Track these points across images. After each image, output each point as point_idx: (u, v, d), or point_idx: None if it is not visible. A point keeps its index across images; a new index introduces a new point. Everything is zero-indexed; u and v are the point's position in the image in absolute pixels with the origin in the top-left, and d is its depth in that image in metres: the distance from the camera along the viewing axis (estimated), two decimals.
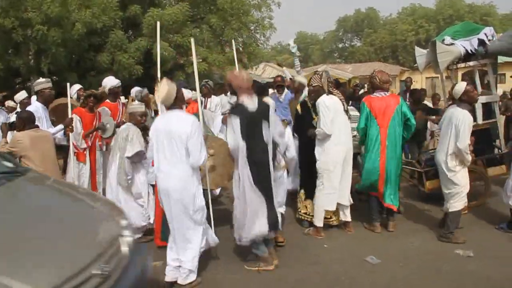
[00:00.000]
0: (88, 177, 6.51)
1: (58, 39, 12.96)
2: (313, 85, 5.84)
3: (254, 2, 17.86)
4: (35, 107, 6.05)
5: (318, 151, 5.77)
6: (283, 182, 5.73)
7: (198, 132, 4.42)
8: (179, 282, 4.56)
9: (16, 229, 2.74)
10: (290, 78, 8.54)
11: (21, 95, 8.15)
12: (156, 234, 5.63)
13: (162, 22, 14.17)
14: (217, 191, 7.04)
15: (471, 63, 7.17)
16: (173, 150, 4.39)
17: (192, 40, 5.86)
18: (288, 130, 5.78)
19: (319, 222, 5.81)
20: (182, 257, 4.55)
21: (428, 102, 9.84)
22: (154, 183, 6.05)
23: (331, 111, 5.60)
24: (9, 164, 3.88)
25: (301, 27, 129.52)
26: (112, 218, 3.40)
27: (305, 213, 6.14)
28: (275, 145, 5.03)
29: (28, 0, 13.28)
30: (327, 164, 5.68)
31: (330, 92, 5.74)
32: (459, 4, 48.79)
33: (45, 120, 6.08)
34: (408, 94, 10.29)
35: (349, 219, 5.92)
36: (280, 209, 5.52)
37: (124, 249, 3.13)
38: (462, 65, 7.45)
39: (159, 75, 6.17)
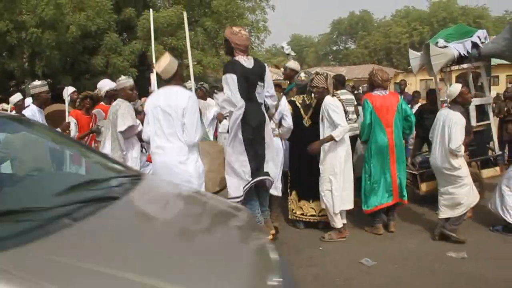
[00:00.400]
0: None
1: (52, 42, 12.97)
2: (318, 86, 5.63)
3: (249, 5, 17.93)
4: (31, 110, 6.01)
5: (323, 154, 5.65)
6: (280, 152, 5.66)
7: (195, 108, 4.39)
8: None
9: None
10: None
11: (16, 97, 8.09)
12: None
13: (156, 24, 14.21)
14: None
15: (464, 66, 7.22)
16: (170, 125, 4.35)
17: (187, 40, 5.86)
18: (284, 100, 5.73)
19: (339, 223, 5.66)
20: None
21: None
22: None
23: (340, 108, 5.52)
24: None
25: (296, 30, 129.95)
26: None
27: (302, 214, 6.11)
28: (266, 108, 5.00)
29: (23, 2, 13.27)
30: (333, 167, 5.57)
31: (333, 95, 5.65)
32: (453, 7, 49.03)
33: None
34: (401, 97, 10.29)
35: (345, 220, 5.82)
36: (273, 191, 5.47)
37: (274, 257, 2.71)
38: (456, 67, 7.48)
39: (154, 82, 6.21)
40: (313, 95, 5.91)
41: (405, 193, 5.98)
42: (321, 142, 5.57)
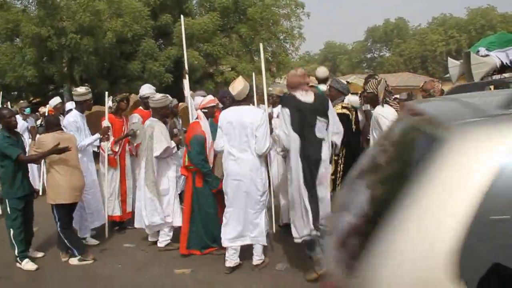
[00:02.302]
0: (118, 182, 6.61)
1: (90, 47, 13.24)
2: (368, 91, 5.32)
3: (284, 12, 17.93)
4: (74, 116, 6.10)
5: None
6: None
7: (266, 124, 4.95)
8: (254, 263, 5.08)
9: None
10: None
11: (55, 100, 8.35)
12: (181, 243, 5.65)
13: (192, 31, 14.39)
14: None
15: (506, 75, 7.03)
16: (243, 139, 4.89)
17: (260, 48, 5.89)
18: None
19: None
20: (243, 238, 5.02)
21: None
22: (181, 190, 6.14)
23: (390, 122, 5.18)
24: None
25: (330, 37, 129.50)
26: None
27: None
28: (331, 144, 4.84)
29: (64, 9, 13.62)
30: None
31: (386, 102, 5.17)
32: (492, 14, 47.96)
33: (83, 128, 6.14)
34: None
35: None
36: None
37: None
38: (497, 76, 7.30)
39: (187, 87, 6.29)
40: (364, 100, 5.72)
41: None
42: None
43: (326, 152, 4.72)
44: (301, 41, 18.22)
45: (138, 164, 6.00)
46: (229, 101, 6.50)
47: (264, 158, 5.08)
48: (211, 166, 5.52)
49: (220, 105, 6.67)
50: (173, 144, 5.83)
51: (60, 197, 5.38)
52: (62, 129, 5.72)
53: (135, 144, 6.37)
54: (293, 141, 4.68)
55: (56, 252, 5.73)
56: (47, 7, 13.54)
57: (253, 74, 7.94)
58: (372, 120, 5.18)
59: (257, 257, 5.10)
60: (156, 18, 15.41)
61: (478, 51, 6.93)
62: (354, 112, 5.91)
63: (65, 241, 5.51)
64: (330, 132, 4.77)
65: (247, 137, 4.88)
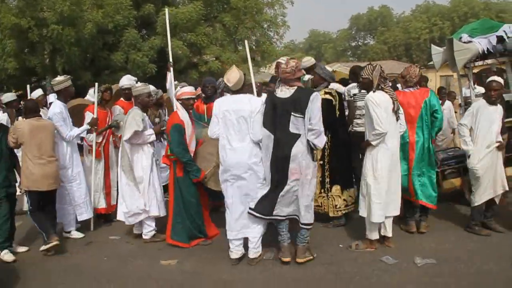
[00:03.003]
0: (103, 175, 6.56)
1: (71, 38, 13.04)
2: (363, 76, 5.26)
3: (268, 0, 17.81)
4: (59, 107, 5.99)
5: (365, 155, 5.30)
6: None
7: (261, 111, 4.88)
8: (250, 256, 5.04)
9: None
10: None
11: (37, 93, 8.24)
12: (166, 232, 5.68)
13: (176, 20, 14.24)
14: None
15: (489, 61, 7.07)
16: (242, 127, 4.89)
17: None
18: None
19: (373, 235, 5.26)
20: (249, 230, 4.99)
21: None
22: (166, 183, 6.09)
23: (382, 108, 5.02)
24: None
25: (314, 26, 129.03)
26: None
27: (346, 206, 6.03)
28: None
29: (44, 0, 13.37)
30: (371, 171, 5.16)
31: (381, 88, 5.14)
32: (474, 2, 48.09)
33: (68, 119, 6.07)
34: None
35: (390, 234, 5.35)
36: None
37: None
38: (480, 63, 7.34)
39: (170, 80, 6.25)
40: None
41: (424, 194, 5.73)
42: (364, 146, 5.29)
43: (300, 148, 4.72)
44: (285, 29, 18.11)
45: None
46: (210, 90, 6.49)
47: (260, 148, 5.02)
48: (192, 155, 5.49)
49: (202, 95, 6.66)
50: (150, 131, 5.80)
51: (33, 185, 5.41)
52: (40, 116, 5.72)
53: (119, 136, 6.34)
54: (264, 138, 4.82)
55: (41, 245, 5.68)
56: None
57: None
58: (365, 105, 5.22)
59: (255, 250, 5.05)
60: (139, 8, 15.22)
61: (461, 37, 6.94)
62: (337, 98, 5.92)
63: (36, 225, 5.55)
64: (306, 128, 4.71)
65: (246, 125, 4.89)
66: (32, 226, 5.90)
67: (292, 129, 4.72)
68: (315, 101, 4.69)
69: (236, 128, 4.91)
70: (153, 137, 5.83)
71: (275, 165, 4.78)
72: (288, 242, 4.98)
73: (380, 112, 4.98)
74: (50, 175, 5.48)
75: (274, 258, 5.12)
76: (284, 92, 4.81)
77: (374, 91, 5.11)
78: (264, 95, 5.83)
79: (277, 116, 4.77)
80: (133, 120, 5.60)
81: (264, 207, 4.86)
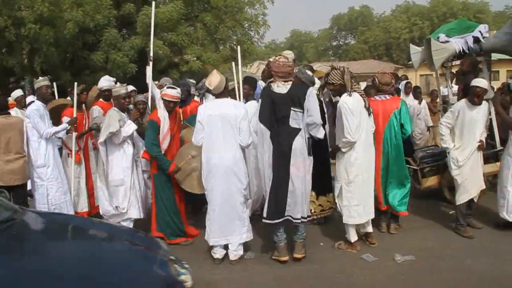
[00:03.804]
0: (84, 178, 6.51)
1: (50, 38, 12.88)
2: (334, 83, 5.14)
3: None
4: (36, 105, 5.96)
5: (337, 158, 5.26)
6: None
7: (247, 117, 4.96)
8: (231, 258, 5.04)
9: None
10: None
11: (16, 93, 8.17)
12: (152, 226, 5.69)
13: (156, 20, 14.13)
14: None
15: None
16: (227, 131, 4.88)
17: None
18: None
19: (352, 237, 5.23)
20: (231, 235, 4.99)
21: (425, 99, 9.98)
22: (149, 178, 6.05)
23: (355, 115, 4.97)
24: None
25: (295, 25, 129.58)
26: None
27: (322, 211, 6.02)
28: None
29: None
30: (346, 174, 5.11)
31: (353, 90, 5.06)
32: (453, 2, 48.81)
33: (47, 118, 5.98)
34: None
35: (370, 230, 5.37)
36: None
37: None
38: (457, 62, 7.45)
39: (149, 75, 6.22)
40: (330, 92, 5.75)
41: (393, 203, 5.65)
42: (334, 150, 5.33)
43: (300, 142, 4.77)
44: (265, 28, 18.11)
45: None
46: (184, 94, 6.46)
47: (244, 153, 5.09)
48: (163, 152, 5.48)
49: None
50: (128, 122, 5.74)
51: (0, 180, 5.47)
52: (8, 113, 5.81)
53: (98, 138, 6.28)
54: (260, 134, 4.85)
55: None
56: None
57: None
58: (338, 110, 5.16)
59: (235, 252, 5.05)
60: (119, 8, 15.09)
61: (439, 37, 7.04)
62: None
63: None
64: (307, 121, 4.79)
65: (231, 129, 4.88)
66: None
67: (293, 123, 4.77)
68: (312, 95, 4.84)
69: (220, 132, 4.89)
70: (133, 126, 5.75)
71: (276, 161, 4.78)
72: (285, 242, 4.99)
73: (352, 120, 4.94)
74: (16, 171, 5.55)
75: (255, 257, 5.14)
76: (280, 87, 4.80)
77: (350, 95, 5.03)
78: (252, 102, 5.86)
79: (276, 112, 4.78)
80: (109, 121, 5.58)
81: (275, 211, 4.84)
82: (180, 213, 5.71)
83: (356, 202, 5.11)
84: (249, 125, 4.96)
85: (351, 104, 4.97)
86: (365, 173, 5.16)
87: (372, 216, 5.32)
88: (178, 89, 5.71)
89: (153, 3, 7.23)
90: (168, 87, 5.71)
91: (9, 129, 5.54)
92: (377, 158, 5.45)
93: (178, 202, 5.68)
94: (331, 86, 5.26)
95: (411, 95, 9.75)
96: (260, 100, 4.92)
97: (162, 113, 5.50)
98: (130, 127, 5.72)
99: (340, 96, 5.18)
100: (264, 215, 4.89)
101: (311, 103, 4.78)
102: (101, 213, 5.81)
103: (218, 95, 5.06)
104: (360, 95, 5.11)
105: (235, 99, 5.60)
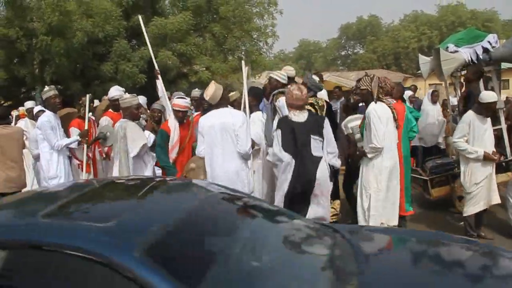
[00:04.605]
0: None
1: (61, 49, 13.00)
2: (361, 88, 5.25)
3: (257, 10, 17.91)
4: (47, 116, 5.96)
5: (365, 167, 5.23)
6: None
7: (247, 124, 5.01)
8: None
9: None
10: None
11: (29, 104, 8.28)
12: None
13: (165, 31, 14.26)
14: None
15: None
16: (227, 141, 4.91)
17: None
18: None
19: None
20: None
21: None
22: None
23: (383, 123, 5.03)
24: None
25: (304, 35, 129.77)
26: None
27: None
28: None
29: (33, 10, 13.36)
30: (375, 183, 5.10)
31: (379, 99, 5.14)
32: (461, 11, 48.72)
33: (58, 128, 6.01)
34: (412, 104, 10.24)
35: None
36: None
37: None
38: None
39: (161, 88, 6.26)
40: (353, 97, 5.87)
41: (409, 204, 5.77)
42: (359, 155, 5.33)
43: (323, 170, 4.76)
44: (274, 39, 18.19)
45: (110, 167, 5.90)
46: (193, 105, 6.53)
47: (247, 162, 5.09)
48: (171, 161, 5.54)
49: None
50: (148, 137, 5.80)
51: None
52: (8, 123, 6.17)
53: (106, 147, 6.31)
54: (286, 165, 4.75)
55: None
56: (15, 8, 13.27)
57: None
58: (366, 116, 5.19)
59: None
60: (129, 19, 15.23)
61: (447, 47, 7.02)
62: (324, 107, 5.92)
63: None
64: (325, 150, 4.82)
65: (231, 138, 4.91)
66: None
67: (315, 151, 4.76)
68: (327, 124, 4.89)
69: (220, 142, 4.92)
70: (152, 137, 5.85)
71: (297, 190, 4.73)
72: None
73: (379, 126, 4.99)
74: (12, 179, 5.81)
75: None
76: (298, 116, 4.83)
77: (376, 103, 5.08)
78: (258, 112, 5.84)
79: (297, 140, 4.76)
80: (135, 134, 5.54)
81: None
82: None
83: (382, 211, 5.08)
84: (247, 132, 4.97)
85: (379, 111, 5.03)
86: (394, 180, 5.16)
87: (396, 223, 5.27)
88: (188, 99, 5.78)
89: (140, 17, 7.36)
90: (177, 98, 5.76)
91: (5, 138, 5.80)
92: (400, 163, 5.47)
93: None
94: (358, 90, 5.33)
95: (438, 104, 9.72)
96: (278, 130, 4.85)
97: (173, 123, 5.53)
98: (150, 138, 5.78)
99: (365, 103, 5.33)
100: None
101: (329, 133, 4.87)
102: None
103: (215, 106, 5.07)
104: (388, 106, 5.16)
105: (239, 109, 5.59)
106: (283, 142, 4.78)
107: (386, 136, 5.03)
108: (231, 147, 4.92)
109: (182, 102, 5.68)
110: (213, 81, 5.38)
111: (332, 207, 6.00)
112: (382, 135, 4.99)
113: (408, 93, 9.91)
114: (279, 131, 4.83)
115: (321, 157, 4.77)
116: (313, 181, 4.71)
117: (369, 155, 5.08)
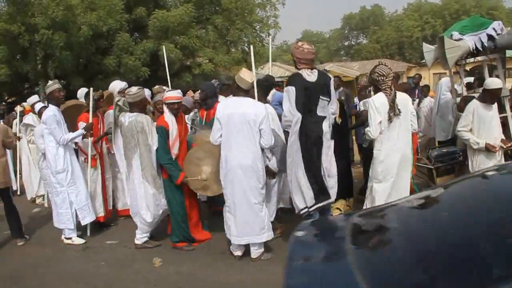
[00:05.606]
0: (100, 182, 6.57)
1: (61, 42, 12.97)
2: (382, 74, 5.08)
3: (259, 1, 17.84)
4: (52, 110, 5.95)
5: (375, 155, 5.15)
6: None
7: (268, 118, 4.90)
8: (252, 256, 5.08)
9: None
10: None
11: (32, 99, 8.27)
12: (168, 228, 5.81)
13: (167, 23, 14.23)
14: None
15: (479, 58, 7.09)
16: (246, 131, 4.82)
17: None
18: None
19: None
20: (251, 236, 4.98)
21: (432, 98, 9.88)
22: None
23: (381, 113, 4.97)
24: None
25: (307, 26, 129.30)
26: None
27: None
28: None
29: (35, 5, 13.34)
30: (376, 173, 5.10)
31: (379, 89, 5.08)
32: None
33: (63, 123, 6.02)
34: (416, 91, 10.20)
35: None
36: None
37: None
38: (471, 60, 7.36)
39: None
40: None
41: None
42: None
43: (326, 129, 4.81)
44: (276, 30, 18.13)
45: (128, 162, 5.70)
46: (210, 95, 6.45)
47: (263, 153, 5.01)
48: (174, 158, 5.45)
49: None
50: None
51: None
52: None
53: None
54: (295, 122, 4.72)
55: (35, 250, 5.66)
56: (17, 3, 13.26)
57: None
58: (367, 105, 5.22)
59: (255, 250, 5.09)
60: (131, 12, 15.21)
61: (452, 35, 6.97)
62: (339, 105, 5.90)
63: None
64: (330, 110, 4.87)
65: (250, 129, 4.81)
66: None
67: (320, 112, 4.77)
68: (332, 85, 4.94)
69: (240, 131, 4.84)
70: None
71: (309, 148, 4.73)
72: None
73: (375, 117, 4.98)
74: None
75: (271, 258, 5.13)
76: (310, 76, 4.74)
77: (375, 93, 5.13)
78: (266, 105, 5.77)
79: (309, 101, 4.72)
80: (153, 127, 5.51)
81: (319, 193, 4.81)
82: (189, 219, 5.67)
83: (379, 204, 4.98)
84: (270, 127, 4.91)
85: (377, 102, 5.01)
86: (389, 176, 5.06)
87: None
88: (178, 90, 5.72)
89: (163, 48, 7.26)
90: (168, 91, 5.73)
91: None
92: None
93: (189, 208, 5.65)
94: (376, 77, 5.13)
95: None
96: (292, 87, 4.71)
97: (169, 118, 5.45)
98: None
99: (364, 92, 5.47)
100: (308, 204, 4.79)
101: (333, 92, 4.93)
102: (149, 220, 5.63)
103: (240, 94, 4.98)
104: (386, 96, 5.03)
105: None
106: (297, 101, 4.69)
107: (391, 128, 5.00)
108: (249, 138, 4.83)
109: (175, 93, 5.55)
110: (244, 68, 5.30)
111: (347, 205, 6.04)
112: (376, 125, 4.98)
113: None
114: (293, 89, 4.70)
115: (324, 117, 4.80)
116: (321, 138, 4.76)
117: (364, 144, 5.33)
